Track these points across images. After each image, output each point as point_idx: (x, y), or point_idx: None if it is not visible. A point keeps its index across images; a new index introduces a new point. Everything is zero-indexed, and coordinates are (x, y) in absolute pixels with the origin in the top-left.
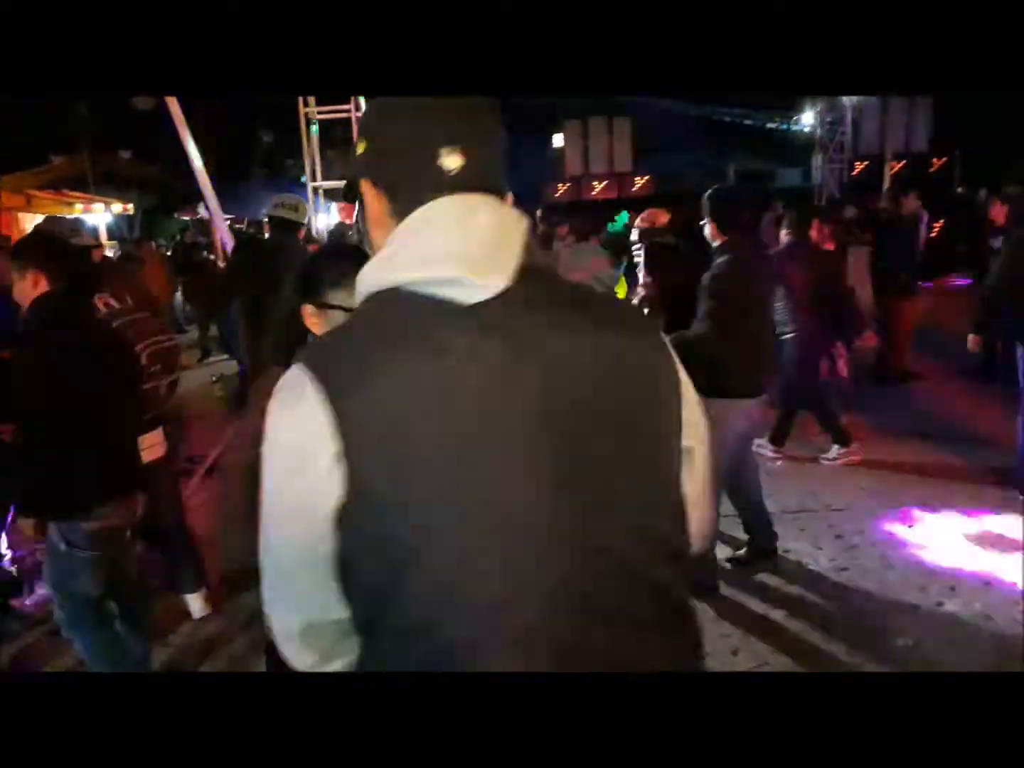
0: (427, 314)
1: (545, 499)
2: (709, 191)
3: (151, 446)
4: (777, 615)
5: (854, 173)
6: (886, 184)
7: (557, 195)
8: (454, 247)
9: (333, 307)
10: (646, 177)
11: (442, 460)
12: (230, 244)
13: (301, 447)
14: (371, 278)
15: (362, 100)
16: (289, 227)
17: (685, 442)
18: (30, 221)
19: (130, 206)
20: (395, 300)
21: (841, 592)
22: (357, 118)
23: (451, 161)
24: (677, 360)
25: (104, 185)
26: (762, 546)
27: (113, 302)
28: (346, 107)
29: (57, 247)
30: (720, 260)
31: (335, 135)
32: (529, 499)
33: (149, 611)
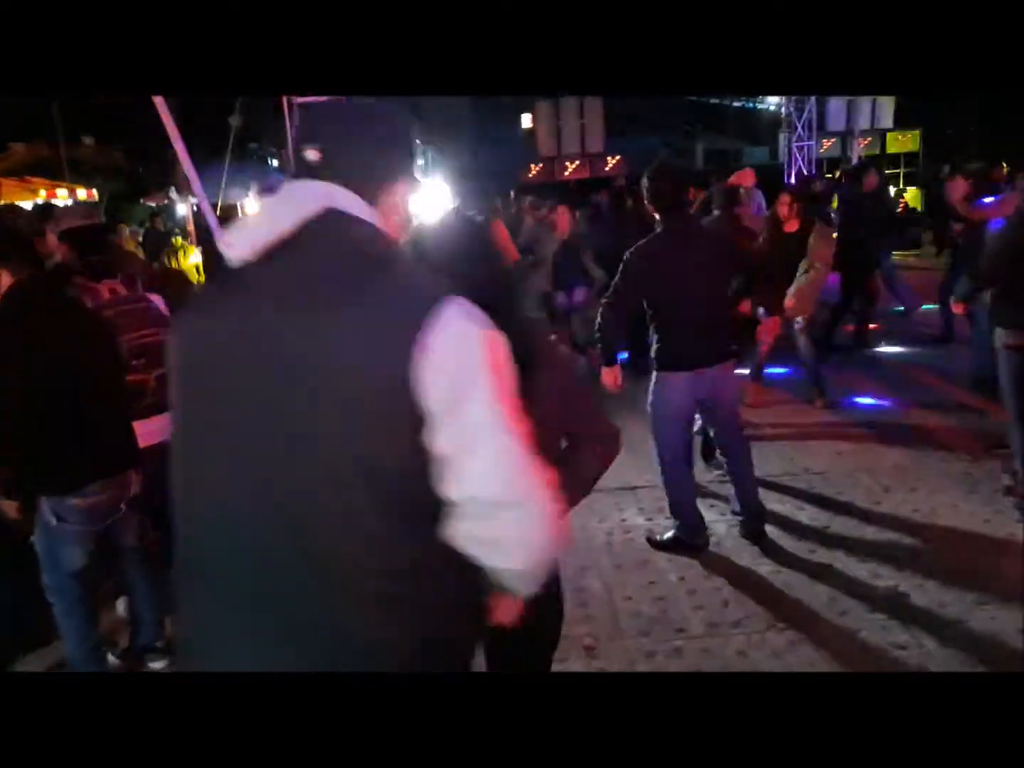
0: (220, 277)
1: (244, 436)
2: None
3: (155, 430)
4: (764, 569)
5: (822, 150)
6: (854, 161)
7: (531, 176)
8: (236, 224)
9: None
10: (617, 157)
11: (182, 384)
12: (217, 229)
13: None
14: None
15: None
16: None
17: (431, 407)
18: None
19: (94, 192)
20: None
21: (824, 546)
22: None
23: (311, 154)
24: (431, 340)
25: (68, 172)
26: (681, 536)
27: (121, 288)
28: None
29: (12, 240)
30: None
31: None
32: (231, 434)
33: (157, 585)
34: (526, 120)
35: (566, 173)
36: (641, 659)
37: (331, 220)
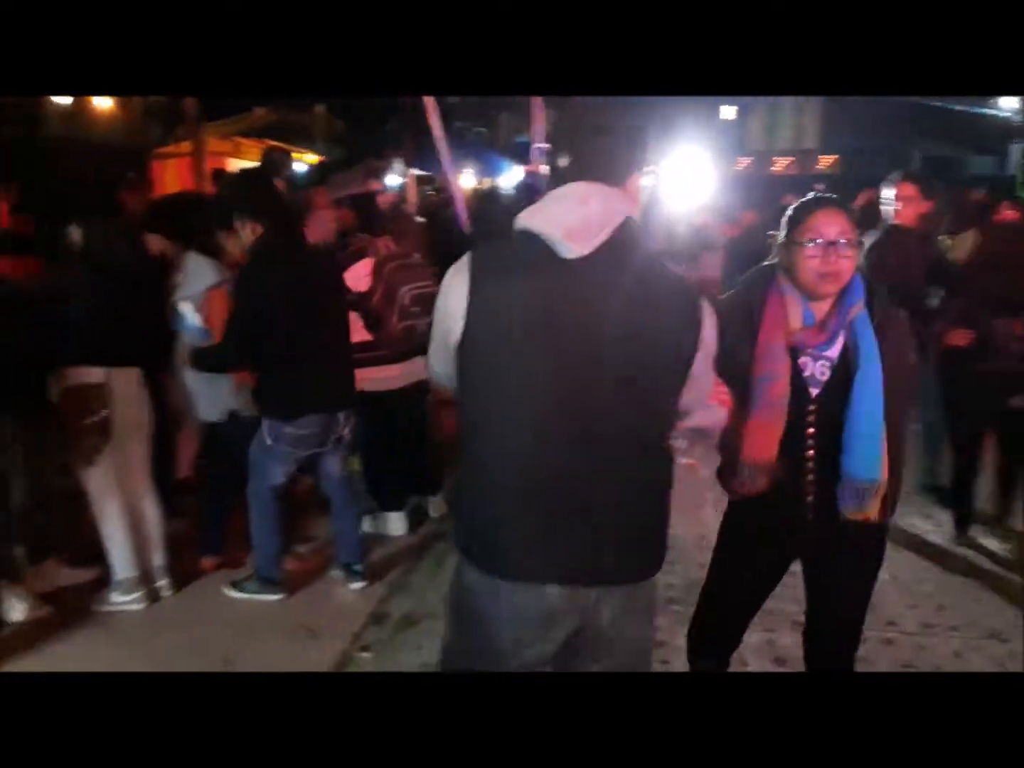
0: (538, 254)
1: (568, 380)
2: None
3: (400, 375)
4: (905, 576)
5: None
6: None
7: (738, 168)
8: (564, 219)
9: None
10: (834, 157)
11: (515, 343)
12: (461, 203)
13: (451, 296)
14: (520, 221)
15: None
16: None
17: (694, 368)
18: (234, 166)
19: (323, 158)
20: (528, 238)
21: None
22: None
23: (562, 161)
24: (703, 315)
25: (298, 137)
26: None
27: (392, 245)
28: None
29: (258, 198)
30: None
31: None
32: (556, 378)
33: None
34: (725, 111)
35: (773, 168)
36: None
37: (631, 227)
